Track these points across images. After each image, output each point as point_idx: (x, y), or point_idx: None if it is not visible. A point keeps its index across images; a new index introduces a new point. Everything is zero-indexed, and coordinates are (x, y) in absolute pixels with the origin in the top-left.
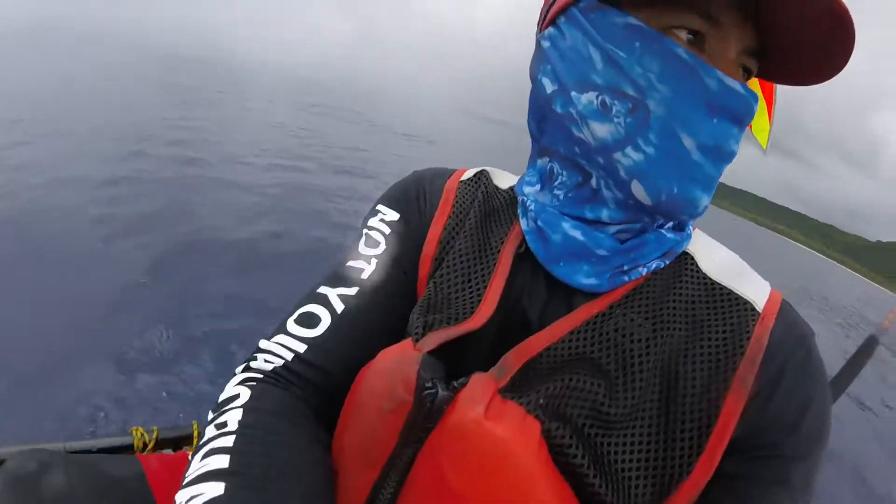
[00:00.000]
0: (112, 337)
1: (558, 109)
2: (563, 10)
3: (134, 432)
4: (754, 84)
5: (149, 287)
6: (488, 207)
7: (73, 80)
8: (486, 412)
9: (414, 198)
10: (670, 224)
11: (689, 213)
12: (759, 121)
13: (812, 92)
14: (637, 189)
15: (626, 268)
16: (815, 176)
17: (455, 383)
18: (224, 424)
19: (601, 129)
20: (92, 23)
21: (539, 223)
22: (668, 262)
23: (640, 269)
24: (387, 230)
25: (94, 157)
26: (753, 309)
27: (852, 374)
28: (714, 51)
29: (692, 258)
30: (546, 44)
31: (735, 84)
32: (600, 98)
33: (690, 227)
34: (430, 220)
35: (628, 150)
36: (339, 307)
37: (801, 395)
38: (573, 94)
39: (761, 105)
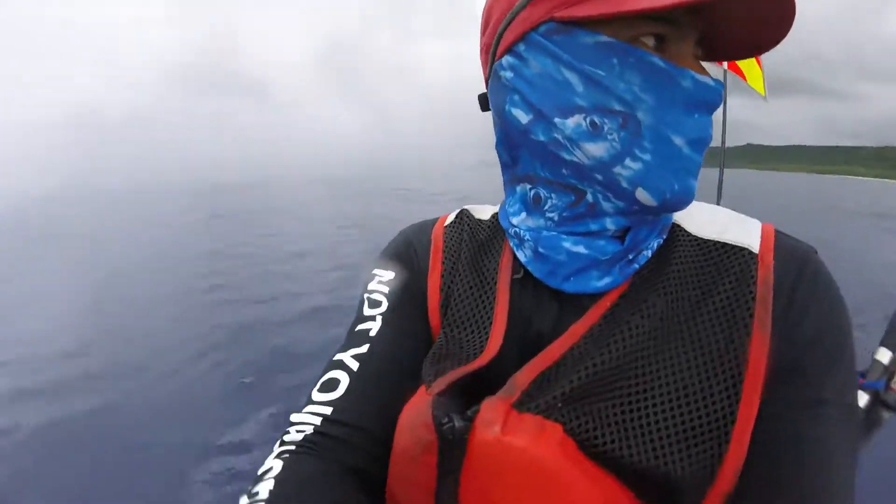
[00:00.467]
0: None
1: (540, 137)
2: (522, 37)
3: None
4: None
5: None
6: (476, 243)
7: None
8: (502, 429)
9: (405, 254)
10: None
11: (688, 202)
12: (751, 71)
13: (818, 23)
14: (642, 195)
15: (631, 257)
16: (851, 104)
17: (469, 412)
18: (256, 494)
19: (596, 149)
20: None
21: (540, 249)
22: (663, 240)
23: (645, 252)
24: (386, 289)
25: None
26: (751, 253)
27: None
28: (677, 51)
29: (679, 226)
30: (508, 74)
31: (705, 79)
32: (588, 119)
33: None
34: (426, 271)
35: (627, 161)
36: (355, 366)
37: (814, 314)
38: (556, 120)
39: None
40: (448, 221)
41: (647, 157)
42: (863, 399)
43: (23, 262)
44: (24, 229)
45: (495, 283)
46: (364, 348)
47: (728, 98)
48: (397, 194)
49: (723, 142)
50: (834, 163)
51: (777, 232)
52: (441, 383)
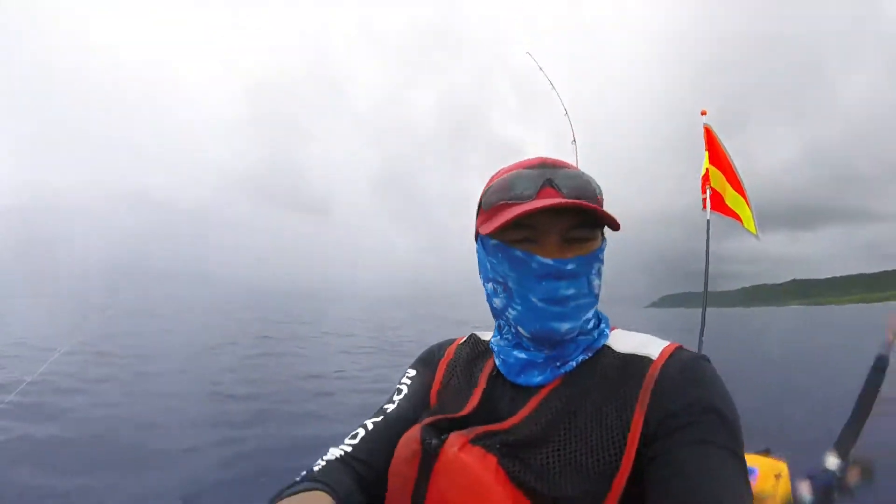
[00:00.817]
0: None
1: (487, 292)
2: (476, 237)
3: None
4: (724, 186)
5: None
6: (475, 353)
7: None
8: (459, 450)
9: (428, 359)
10: (585, 327)
11: (554, 338)
12: (743, 213)
13: (853, 140)
14: (521, 330)
15: (559, 364)
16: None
17: (442, 437)
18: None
19: (497, 301)
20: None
21: (502, 356)
22: (590, 356)
23: (571, 363)
24: (408, 381)
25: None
26: (650, 359)
27: (867, 405)
28: (543, 242)
29: (609, 347)
30: (477, 252)
31: (547, 260)
32: (491, 285)
33: (607, 329)
34: (436, 371)
35: (509, 310)
36: (371, 426)
37: (690, 390)
38: (485, 283)
39: (740, 200)
40: (461, 342)
41: (518, 307)
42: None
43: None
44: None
45: (478, 377)
46: (380, 417)
47: (763, 236)
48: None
49: (705, 284)
50: (889, 289)
51: (678, 347)
52: (428, 419)
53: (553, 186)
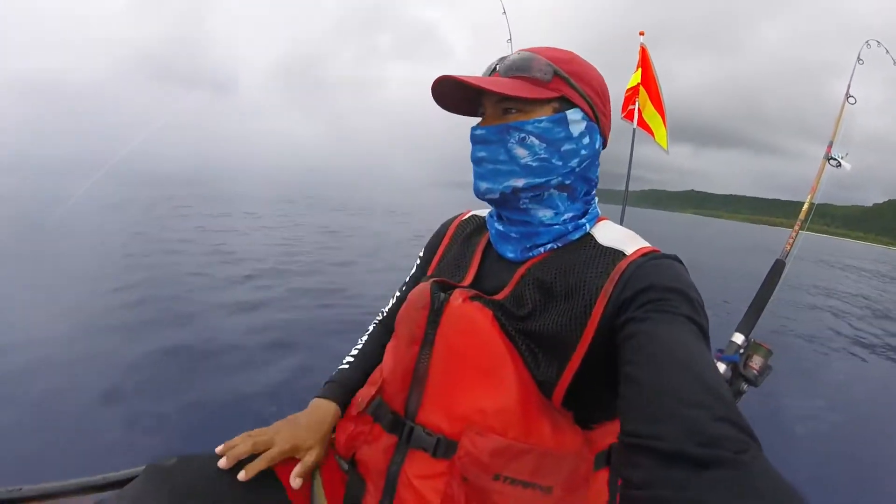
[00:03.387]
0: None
1: None
2: None
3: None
4: (647, 104)
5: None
6: (472, 228)
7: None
8: (462, 302)
9: (436, 235)
10: (557, 220)
11: (477, 194)
12: (658, 130)
13: (765, 79)
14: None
15: (528, 246)
16: (794, 162)
17: (447, 292)
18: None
19: None
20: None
21: (489, 228)
22: (560, 246)
23: (539, 248)
24: (420, 255)
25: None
26: (623, 254)
27: (766, 297)
28: (486, 114)
29: (592, 237)
30: None
31: (472, 128)
32: None
33: (588, 225)
34: (440, 245)
35: None
36: (394, 298)
37: (654, 276)
38: None
39: (657, 118)
40: (463, 219)
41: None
42: (723, 369)
43: None
44: None
45: (475, 249)
46: (403, 287)
47: (672, 148)
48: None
49: (626, 184)
50: (774, 214)
51: (654, 250)
52: (436, 279)
53: (496, 70)
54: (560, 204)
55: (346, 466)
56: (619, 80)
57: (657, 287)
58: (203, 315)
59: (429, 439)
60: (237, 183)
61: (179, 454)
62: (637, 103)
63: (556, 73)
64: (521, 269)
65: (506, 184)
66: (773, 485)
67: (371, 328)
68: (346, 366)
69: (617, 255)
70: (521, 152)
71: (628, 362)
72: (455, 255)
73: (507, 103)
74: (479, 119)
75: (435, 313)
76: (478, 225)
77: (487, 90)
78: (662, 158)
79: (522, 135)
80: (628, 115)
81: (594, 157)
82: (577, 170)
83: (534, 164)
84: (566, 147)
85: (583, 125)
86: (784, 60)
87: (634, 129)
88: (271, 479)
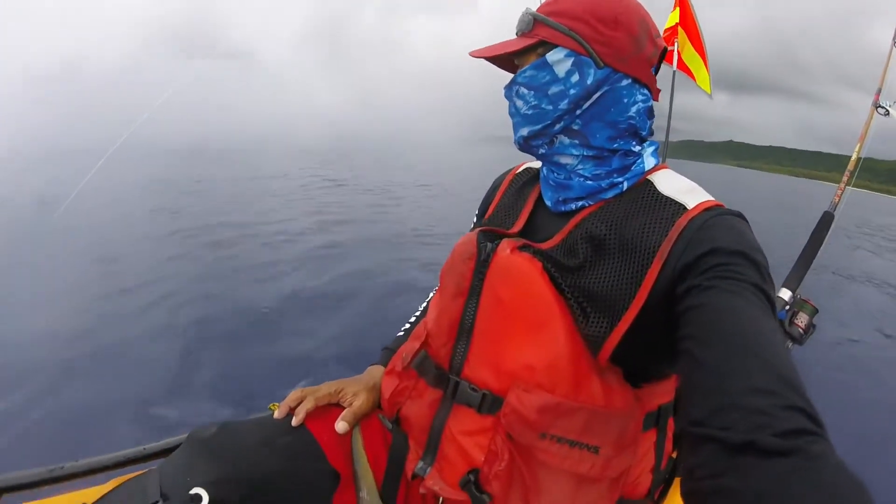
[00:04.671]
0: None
1: None
2: None
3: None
4: (686, 46)
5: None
6: (526, 179)
7: None
8: (510, 253)
9: (489, 191)
10: (590, 175)
11: (518, 146)
12: (699, 73)
13: (800, 25)
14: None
15: (561, 199)
16: (834, 111)
17: (495, 243)
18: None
19: None
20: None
21: (541, 176)
22: (591, 203)
23: (571, 204)
24: (474, 220)
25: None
26: (684, 208)
27: (814, 250)
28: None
29: (651, 184)
30: None
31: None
32: None
33: (621, 180)
34: (494, 196)
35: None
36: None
37: (714, 236)
38: None
39: (698, 60)
40: (518, 171)
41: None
42: None
43: None
44: None
45: (526, 199)
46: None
47: (711, 95)
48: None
49: (667, 132)
50: (815, 167)
51: (717, 205)
52: (483, 228)
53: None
54: (573, 150)
55: (389, 425)
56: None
57: (722, 250)
58: (250, 284)
59: (474, 395)
60: (269, 153)
61: (221, 422)
62: (676, 44)
63: (534, 19)
64: (574, 220)
65: (519, 134)
66: (844, 480)
67: (431, 294)
68: (402, 333)
69: (677, 208)
70: (519, 103)
71: (691, 337)
72: (506, 205)
73: (511, 63)
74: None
75: (482, 264)
76: (531, 176)
77: (478, 56)
78: (697, 108)
79: (516, 87)
80: (667, 58)
81: (596, 92)
82: (579, 112)
83: (529, 113)
84: (553, 90)
85: (568, 63)
86: (825, 10)
87: (674, 72)
88: (311, 445)
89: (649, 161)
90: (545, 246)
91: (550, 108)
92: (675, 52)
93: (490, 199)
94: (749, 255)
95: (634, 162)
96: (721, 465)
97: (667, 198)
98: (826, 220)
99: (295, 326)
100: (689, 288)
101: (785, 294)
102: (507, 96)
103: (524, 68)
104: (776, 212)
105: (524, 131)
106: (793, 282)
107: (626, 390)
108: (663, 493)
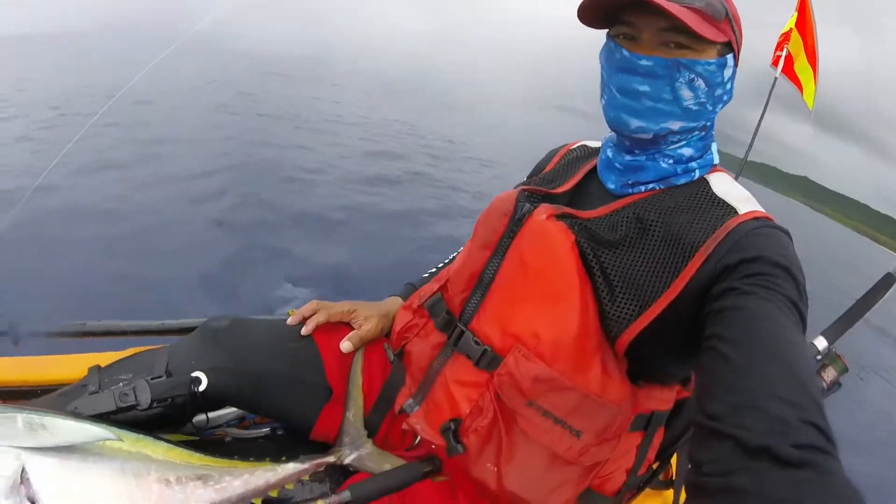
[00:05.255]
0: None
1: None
2: None
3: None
4: (800, 55)
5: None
6: (582, 154)
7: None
8: (546, 219)
9: (540, 161)
10: (668, 160)
11: (624, 130)
12: (808, 85)
13: (887, 78)
14: (606, 118)
15: (630, 182)
16: None
17: (533, 204)
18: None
19: (600, 92)
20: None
21: (601, 152)
22: (662, 188)
23: (640, 186)
24: (528, 173)
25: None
26: (735, 211)
27: (865, 308)
28: (638, 39)
29: (707, 183)
30: None
31: (626, 52)
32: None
33: (698, 173)
34: (546, 164)
35: (601, 100)
36: None
37: (763, 245)
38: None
39: (809, 72)
40: (573, 146)
41: (605, 97)
42: None
43: None
44: None
45: (578, 169)
46: None
47: (798, 123)
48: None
49: (751, 142)
50: (883, 232)
51: (766, 216)
52: (525, 187)
53: None
54: (694, 148)
55: (392, 357)
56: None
57: (766, 260)
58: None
59: (476, 348)
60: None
61: (235, 316)
62: (786, 49)
63: (727, 14)
64: (625, 199)
65: (663, 125)
66: (853, 497)
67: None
68: (427, 274)
69: (728, 210)
70: (686, 94)
71: (720, 337)
72: (556, 172)
73: (673, 35)
74: (620, 38)
75: (515, 223)
76: (587, 153)
77: (669, 12)
78: (777, 130)
79: (692, 75)
80: (775, 62)
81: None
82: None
83: (694, 108)
84: (718, 92)
85: (730, 71)
86: None
87: (776, 78)
88: (314, 356)
89: (715, 156)
90: (586, 215)
91: (711, 109)
92: (783, 57)
93: (541, 167)
94: (791, 271)
95: (707, 152)
96: (734, 463)
97: (720, 199)
98: (887, 282)
99: (331, 242)
100: (726, 289)
101: (820, 343)
102: (665, 76)
103: (708, 60)
104: (833, 261)
105: (675, 125)
106: (832, 333)
107: (623, 384)
108: (631, 498)
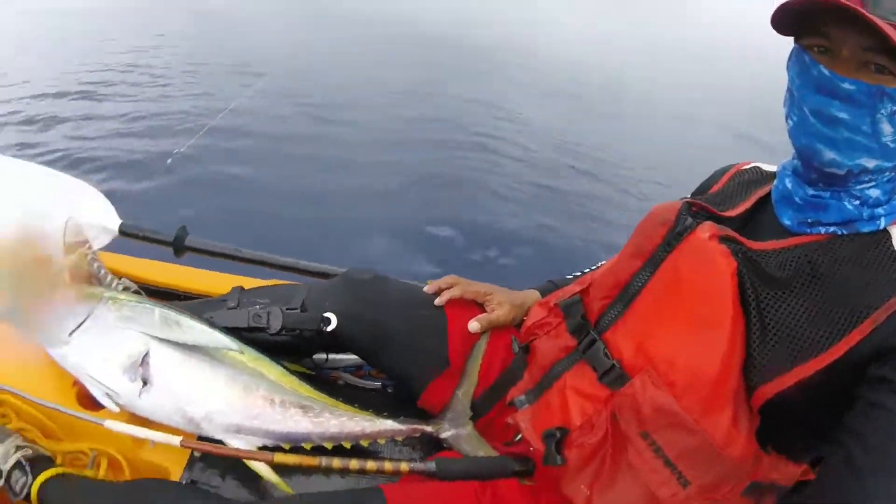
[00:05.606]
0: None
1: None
2: None
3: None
4: None
5: None
6: (755, 177)
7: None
8: (709, 238)
9: (706, 179)
10: (854, 201)
11: (814, 160)
12: None
13: None
14: (793, 144)
15: (809, 220)
16: None
17: (697, 220)
18: None
19: (785, 111)
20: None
21: (777, 179)
22: (845, 233)
23: (820, 227)
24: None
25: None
26: None
27: None
28: (835, 54)
29: (890, 237)
30: None
31: (826, 71)
32: (787, 92)
33: (885, 220)
34: (708, 190)
35: (788, 120)
36: None
37: None
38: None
39: None
40: (744, 167)
41: (794, 118)
42: None
43: None
44: None
45: (751, 194)
46: None
47: None
48: None
49: None
50: None
51: None
52: (692, 199)
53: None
54: (882, 190)
55: (517, 349)
56: None
57: None
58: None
59: (605, 360)
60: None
61: (377, 272)
62: None
63: None
64: (797, 240)
65: (858, 161)
66: None
67: None
68: (571, 276)
69: None
70: (886, 128)
71: (856, 432)
72: (725, 193)
73: (877, 56)
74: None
75: (674, 235)
76: (761, 177)
77: (881, 29)
78: None
79: (894, 107)
80: None
81: None
82: None
83: (891, 145)
84: None
85: None
86: None
87: None
88: (441, 327)
89: None
90: (754, 246)
91: (890, 133)
92: None
93: (707, 186)
94: None
95: (894, 197)
96: None
97: None
98: None
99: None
100: (881, 378)
101: None
102: (867, 105)
103: None
104: None
105: (870, 163)
106: None
107: (750, 442)
108: None
